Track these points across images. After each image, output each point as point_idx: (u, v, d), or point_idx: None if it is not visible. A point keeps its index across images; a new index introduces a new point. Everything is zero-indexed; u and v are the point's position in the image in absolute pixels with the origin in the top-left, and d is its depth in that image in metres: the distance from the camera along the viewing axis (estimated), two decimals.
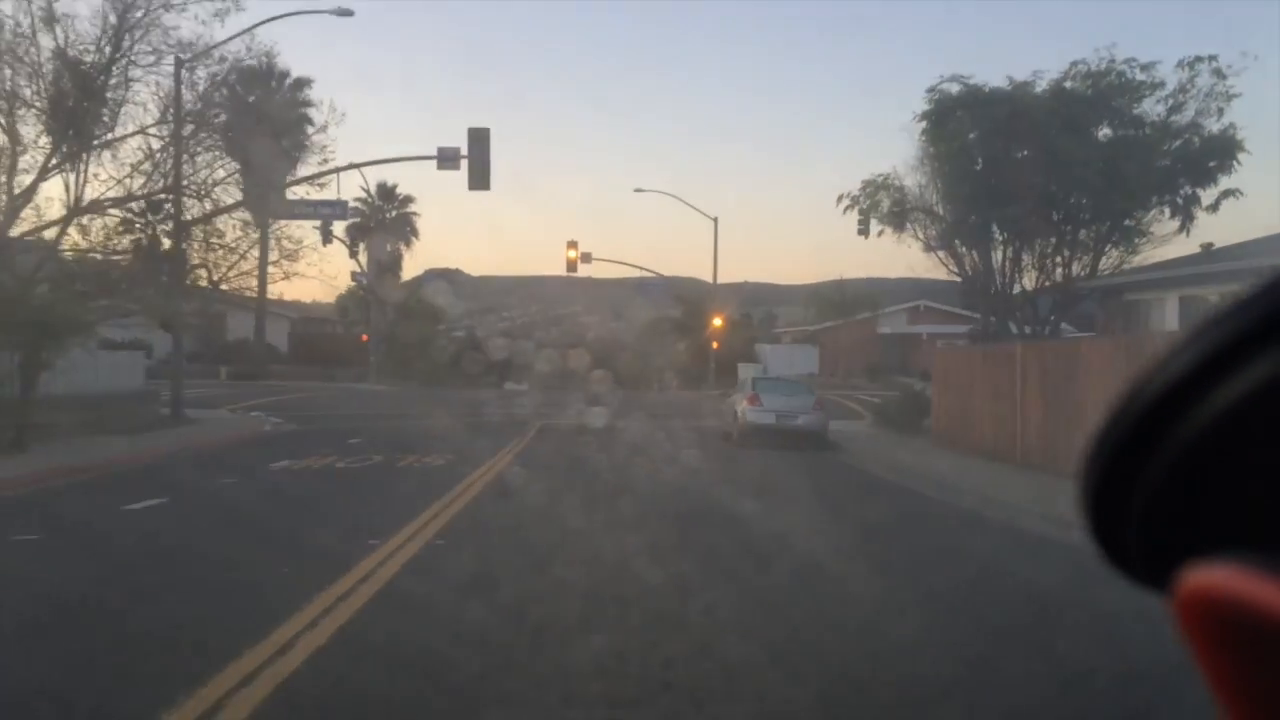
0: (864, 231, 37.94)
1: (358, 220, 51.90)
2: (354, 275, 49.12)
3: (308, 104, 47.08)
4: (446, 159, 26.66)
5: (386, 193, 52.76)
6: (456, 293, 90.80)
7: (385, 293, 51.14)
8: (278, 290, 49.80)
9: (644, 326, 69.28)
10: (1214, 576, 0.52)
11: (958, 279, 26.58)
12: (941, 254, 26.12)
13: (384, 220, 52.15)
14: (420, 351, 50.13)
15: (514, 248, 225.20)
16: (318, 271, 34.14)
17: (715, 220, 52.53)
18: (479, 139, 26.50)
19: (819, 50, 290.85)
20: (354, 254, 47.06)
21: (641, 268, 53.87)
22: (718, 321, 52.33)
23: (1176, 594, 0.54)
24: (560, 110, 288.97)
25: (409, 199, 53.28)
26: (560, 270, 46.73)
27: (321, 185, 28.81)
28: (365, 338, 48.99)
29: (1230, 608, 0.51)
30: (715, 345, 51.84)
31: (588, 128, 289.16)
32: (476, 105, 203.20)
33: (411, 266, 70.80)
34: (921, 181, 26.14)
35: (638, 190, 52.48)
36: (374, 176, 60.02)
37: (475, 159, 26.33)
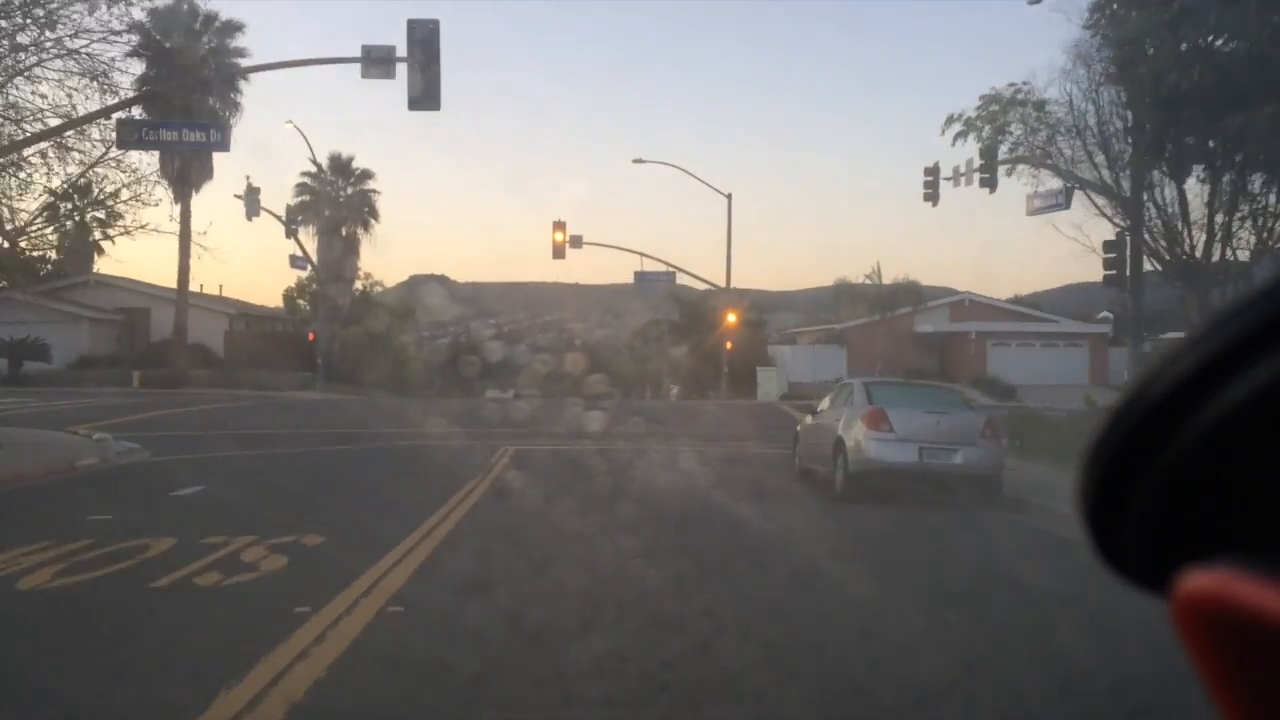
0: (932, 197, 29.98)
1: (307, 198, 43.76)
2: (293, 260, 40.52)
3: (240, 54, 39.13)
4: (376, 63, 18.25)
5: (340, 165, 44.44)
6: (439, 296, 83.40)
7: (338, 284, 42.87)
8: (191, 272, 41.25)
9: (639, 329, 62.32)
10: (1212, 579, 0.52)
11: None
12: (1100, 201, 17.73)
13: (337, 198, 43.70)
14: (382, 353, 42.67)
15: (503, 250, 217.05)
16: (166, 217, 25.28)
17: (729, 197, 44.13)
18: (423, 37, 18.15)
19: (821, 44, 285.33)
20: (291, 233, 38.48)
21: (641, 253, 45.55)
22: (732, 318, 44.14)
23: (1175, 597, 0.54)
24: (554, 102, 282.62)
25: (368, 174, 44.98)
26: (550, 275, 38.77)
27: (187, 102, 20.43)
28: (312, 336, 40.67)
29: (1228, 610, 0.51)
30: (729, 346, 43.71)
31: (583, 123, 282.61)
32: (464, 90, 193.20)
33: (370, 256, 62.75)
34: (1074, 91, 17.75)
35: (637, 161, 43.71)
36: (323, 147, 51.89)
37: (419, 65, 17.98)
